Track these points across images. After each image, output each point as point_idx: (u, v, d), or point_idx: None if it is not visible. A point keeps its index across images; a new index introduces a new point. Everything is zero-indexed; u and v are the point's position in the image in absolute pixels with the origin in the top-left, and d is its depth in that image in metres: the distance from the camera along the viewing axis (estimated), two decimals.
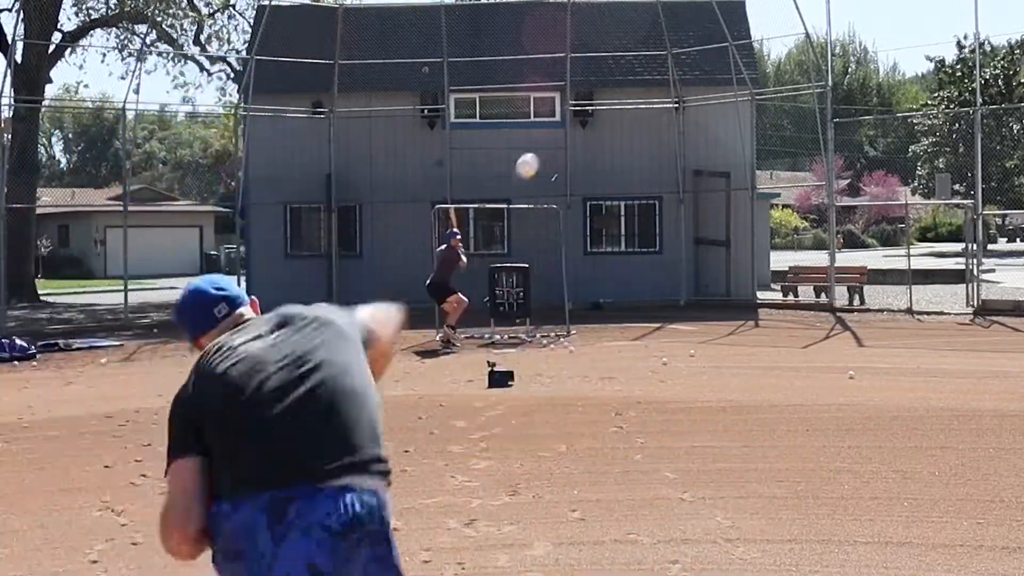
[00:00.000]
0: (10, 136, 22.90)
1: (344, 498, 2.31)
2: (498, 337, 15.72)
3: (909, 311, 18.98)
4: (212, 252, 45.17)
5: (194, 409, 2.45)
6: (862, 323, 17.54)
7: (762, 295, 22.47)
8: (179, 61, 31.04)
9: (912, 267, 20.85)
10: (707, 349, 14.12)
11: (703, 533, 5.18)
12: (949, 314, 18.73)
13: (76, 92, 52.35)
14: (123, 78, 35.59)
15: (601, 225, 23.01)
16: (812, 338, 15.47)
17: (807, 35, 21.97)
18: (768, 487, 6.11)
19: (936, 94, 51.57)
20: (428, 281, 15.06)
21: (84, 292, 31.27)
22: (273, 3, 22.70)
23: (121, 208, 22.76)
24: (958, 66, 50.16)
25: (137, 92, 46.04)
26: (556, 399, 9.76)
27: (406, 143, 22.68)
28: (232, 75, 31.24)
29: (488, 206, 20.93)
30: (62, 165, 79.39)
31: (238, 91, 25.33)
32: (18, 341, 14.96)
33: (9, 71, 21.24)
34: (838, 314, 18.93)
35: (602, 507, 5.74)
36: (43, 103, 29.87)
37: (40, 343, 15.69)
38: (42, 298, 26.91)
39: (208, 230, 47.99)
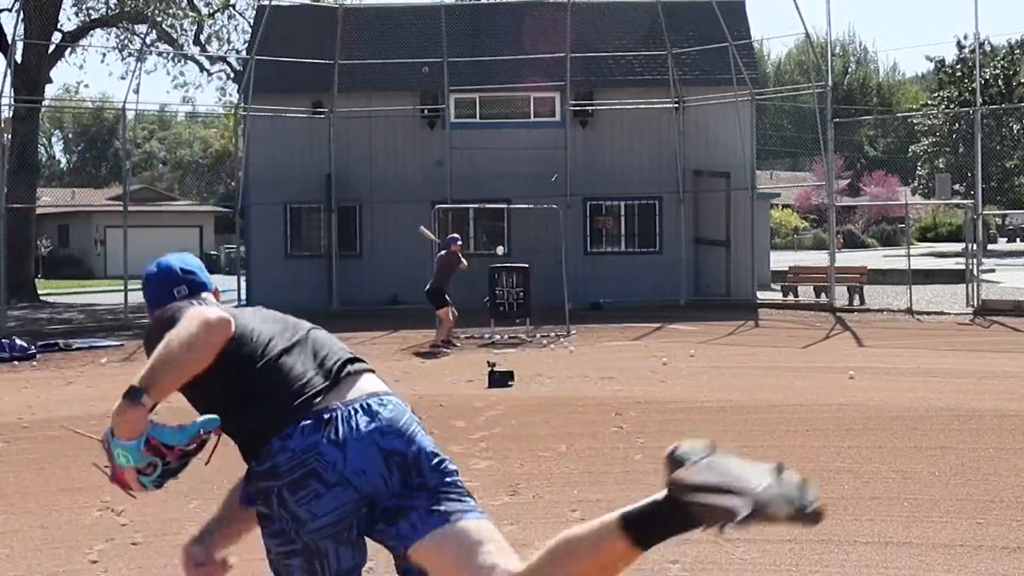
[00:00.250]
0: (10, 136, 22.91)
1: (376, 399, 2.53)
2: (498, 337, 15.72)
3: (909, 311, 18.98)
4: (212, 252, 45.18)
5: None
6: (862, 323, 17.54)
7: (762, 295, 22.48)
8: (179, 61, 31.07)
9: (912, 267, 20.86)
10: (707, 349, 14.12)
11: (703, 533, 5.18)
12: (949, 314, 18.73)
13: (76, 92, 52.39)
14: (123, 78, 35.67)
15: (601, 225, 23.01)
16: (812, 338, 15.47)
17: (807, 35, 21.98)
18: None
19: (936, 94, 51.56)
20: (427, 286, 15.06)
21: (84, 292, 31.28)
22: (273, 3, 22.70)
23: (121, 208, 22.76)
24: (958, 66, 50.15)
25: (137, 92, 46.03)
26: (556, 399, 9.76)
27: (406, 143, 22.68)
28: (232, 75, 31.26)
29: (488, 206, 20.94)
30: (62, 165, 79.36)
31: (238, 91, 25.33)
32: (18, 341, 14.96)
33: (9, 71, 21.24)
34: (838, 314, 18.94)
35: (602, 507, 5.71)
36: (43, 103, 29.87)
37: (40, 343, 15.69)
38: (42, 298, 26.91)
39: (208, 230, 47.99)
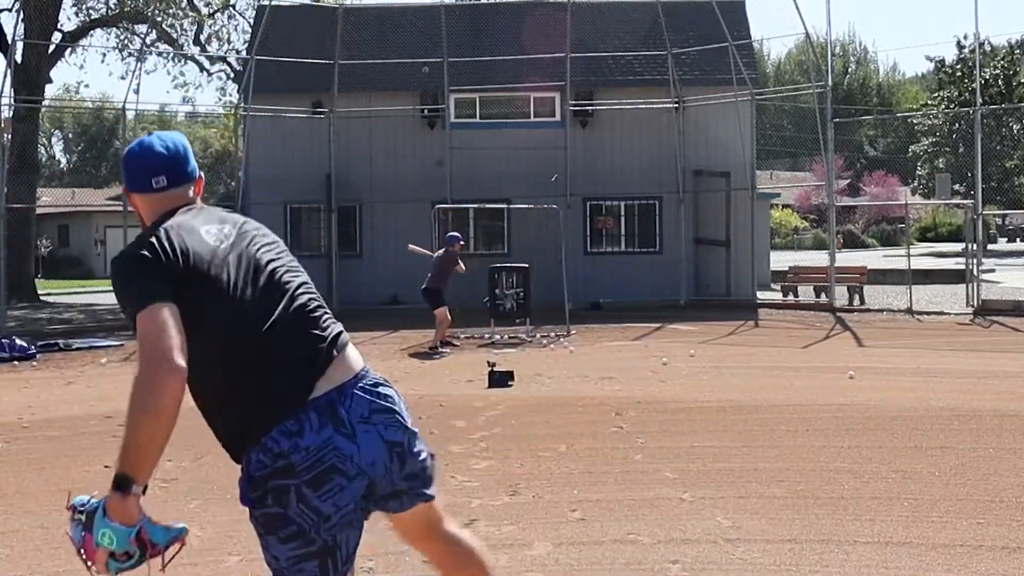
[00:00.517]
0: (10, 136, 22.91)
1: (365, 380, 2.60)
2: (498, 337, 15.71)
3: (909, 311, 18.98)
4: None
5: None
6: (862, 323, 17.54)
7: (762, 295, 22.48)
8: (179, 61, 31.07)
9: (912, 267, 20.85)
10: (707, 349, 14.12)
11: (703, 533, 5.18)
12: (949, 314, 18.73)
13: (76, 92, 52.42)
14: (123, 78, 35.72)
15: (601, 225, 23.01)
16: (812, 338, 15.47)
17: (807, 35, 21.98)
18: (768, 487, 6.11)
19: (936, 94, 51.59)
20: (424, 286, 14.91)
21: (84, 292, 31.30)
22: (273, 3, 22.71)
23: (121, 208, 22.76)
24: (958, 66, 50.17)
25: (137, 92, 46.10)
26: (556, 399, 9.76)
27: (406, 143, 22.68)
28: (232, 75, 31.25)
29: (488, 206, 20.94)
30: (62, 165, 79.38)
31: (238, 91, 25.33)
32: (18, 341, 14.95)
33: (9, 71, 21.24)
34: (838, 314, 18.94)
35: (602, 507, 5.74)
36: (43, 103, 29.85)
37: (40, 343, 15.69)
38: (42, 298, 26.90)
39: None
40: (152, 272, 2.42)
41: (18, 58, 23.73)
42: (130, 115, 23.47)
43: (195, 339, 2.38)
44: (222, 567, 4.73)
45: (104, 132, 73.18)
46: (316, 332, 2.60)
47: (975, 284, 19.24)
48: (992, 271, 28.08)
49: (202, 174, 2.78)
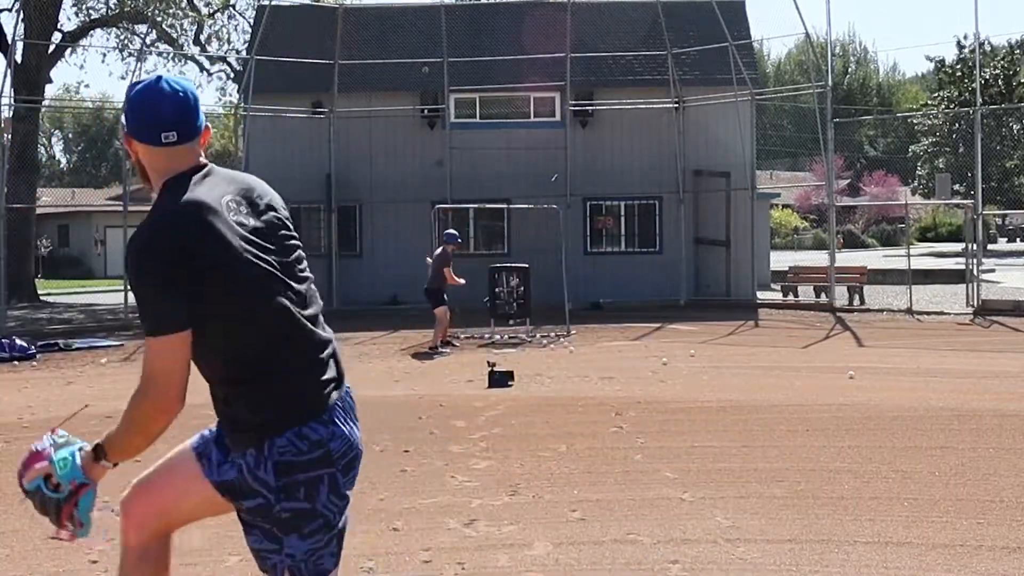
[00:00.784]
0: (10, 136, 22.90)
1: (340, 391, 2.61)
2: (498, 337, 15.72)
3: (909, 311, 18.99)
4: None
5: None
6: (862, 323, 17.54)
7: (762, 295, 22.49)
8: (179, 61, 31.10)
9: (912, 267, 20.87)
10: (707, 349, 14.12)
11: (703, 533, 5.18)
12: (949, 314, 18.73)
13: (76, 92, 52.44)
14: (123, 78, 35.59)
15: (601, 225, 23.02)
16: (812, 338, 15.47)
17: (807, 35, 21.99)
18: (768, 487, 6.11)
19: (936, 94, 51.60)
20: (426, 285, 14.97)
21: (84, 292, 31.28)
22: (273, 3, 22.71)
23: (121, 208, 22.74)
24: (958, 66, 50.18)
25: None
26: (556, 399, 9.76)
27: (406, 143, 22.69)
28: (232, 75, 31.28)
29: (488, 206, 20.94)
30: (62, 165, 79.39)
31: (238, 91, 25.33)
32: (18, 341, 14.96)
33: (9, 71, 21.23)
34: (838, 314, 18.94)
35: (602, 507, 5.73)
36: (43, 103, 29.86)
37: (40, 343, 15.69)
38: (42, 298, 26.90)
39: None
40: (167, 276, 2.33)
41: (18, 58, 23.73)
42: None
43: (221, 321, 2.40)
44: (222, 567, 4.73)
45: (104, 132, 73.19)
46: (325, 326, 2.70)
47: (975, 284, 19.25)
48: (992, 271, 28.09)
49: (208, 124, 2.61)
